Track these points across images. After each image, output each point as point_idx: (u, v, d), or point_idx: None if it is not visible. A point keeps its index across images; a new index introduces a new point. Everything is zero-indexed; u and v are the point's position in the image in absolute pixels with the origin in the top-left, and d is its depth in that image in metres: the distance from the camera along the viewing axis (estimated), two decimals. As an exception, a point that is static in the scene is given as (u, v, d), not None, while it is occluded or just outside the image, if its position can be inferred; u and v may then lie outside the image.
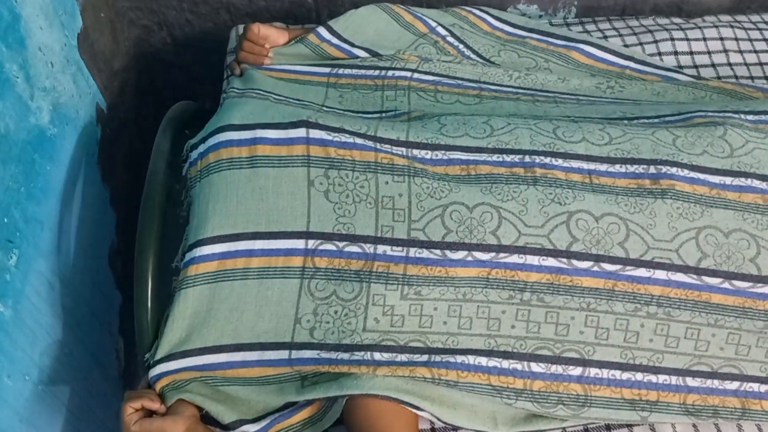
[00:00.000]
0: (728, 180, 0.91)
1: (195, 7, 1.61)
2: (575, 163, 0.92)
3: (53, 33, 1.19)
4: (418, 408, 0.87)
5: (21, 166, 1.04)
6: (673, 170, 0.91)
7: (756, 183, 0.92)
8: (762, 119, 1.02)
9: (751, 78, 1.37)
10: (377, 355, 0.87)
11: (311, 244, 0.89)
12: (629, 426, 0.94)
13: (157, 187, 1.02)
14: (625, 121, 1.03)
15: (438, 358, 0.89)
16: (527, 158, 0.92)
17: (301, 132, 0.92)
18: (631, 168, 0.92)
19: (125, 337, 1.42)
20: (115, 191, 1.41)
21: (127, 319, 1.42)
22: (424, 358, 0.88)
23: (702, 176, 0.91)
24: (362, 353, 0.87)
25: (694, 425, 0.94)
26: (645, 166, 0.92)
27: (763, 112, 1.03)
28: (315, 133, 0.92)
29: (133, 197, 1.55)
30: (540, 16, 1.65)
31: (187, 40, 1.69)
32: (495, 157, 0.93)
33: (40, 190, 1.10)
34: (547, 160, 0.92)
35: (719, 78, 1.35)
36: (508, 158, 0.92)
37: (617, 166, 0.93)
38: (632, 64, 1.29)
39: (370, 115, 1.04)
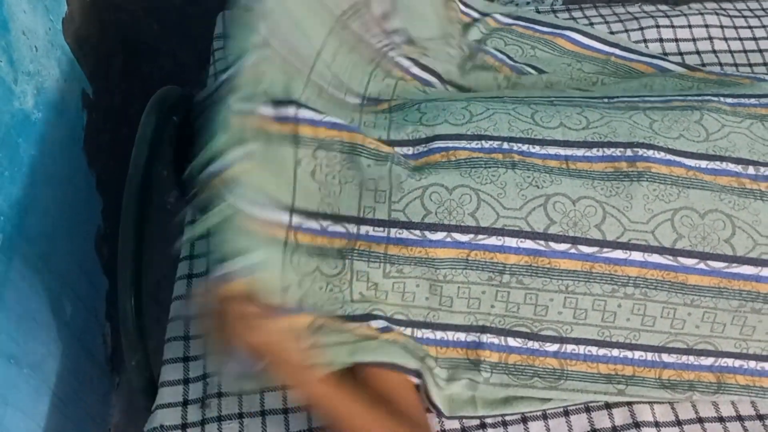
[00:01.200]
0: (704, 163, 0.92)
1: (181, -7, 1.60)
2: (552, 150, 0.93)
3: (37, 17, 1.18)
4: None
5: (5, 150, 1.04)
6: (650, 153, 0.91)
7: (731, 166, 0.93)
8: (741, 102, 1.03)
9: (736, 65, 1.37)
10: (372, 323, 0.89)
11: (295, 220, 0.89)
12: (609, 408, 0.95)
13: (140, 172, 1.02)
14: (606, 100, 1.04)
15: (419, 333, 0.91)
16: (505, 145, 0.93)
17: (290, 111, 0.92)
18: (608, 151, 0.93)
19: (112, 323, 1.42)
20: (101, 176, 1.41)
21: (115, 304, 1.42)
22: (408, 331, 0.91)
23: (678, 159, 0.92)
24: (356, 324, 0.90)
25: (672, 408, 0.96)
26: (622, 149, 0.93)
27: (742, 95, 1.04)
28: (304, 113, 0.92)
29: (120, 182, 1.54)
30: (527, 3, 1.66)
31: (174, 26, 1.68)
32: (474, 144, 0.93)
33: (24, 175, 1.10)
34: (525, 147, 0.93)
35: (704, 65, 1.36)
36: (487, 144, 0.93)
37: (594, 150, 0.93)
38: (617, 51, 1.30)
39: (354, 98, 1.04)
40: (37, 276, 1.12)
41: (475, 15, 1.33)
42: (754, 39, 1.41)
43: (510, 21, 1.33)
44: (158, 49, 1.74)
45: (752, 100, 1.02)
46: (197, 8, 1.63)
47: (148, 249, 1.02)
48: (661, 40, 1.39)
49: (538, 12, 1.48)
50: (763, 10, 1.49)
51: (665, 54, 1.37)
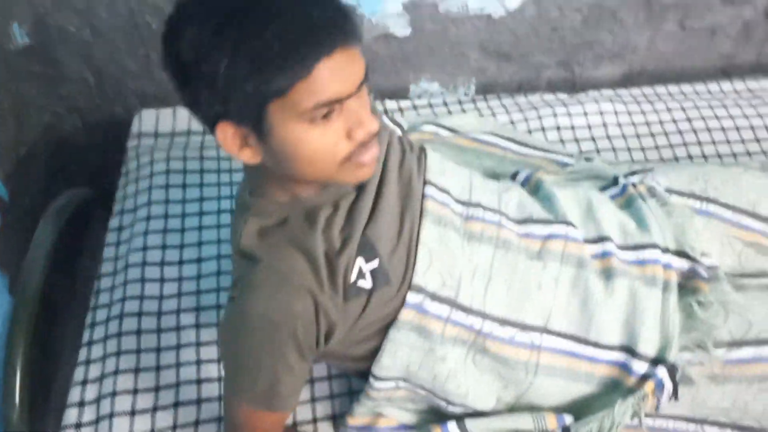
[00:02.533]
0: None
1: (103, 93, 1.65)
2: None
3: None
4: None
5: None
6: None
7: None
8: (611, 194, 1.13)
9: (629, 150, 1.45)
10: None
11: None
12: None
13: (34, 280, 1.03)
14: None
15: None
16: None
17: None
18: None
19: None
20: (14, 277, 1.40)
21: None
22: None
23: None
24: None
25: None
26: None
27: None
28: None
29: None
30: (441, 93, 1.73)
31: (98, 123, 1.72)
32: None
33: None
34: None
35: (598, 151, 1.43)
36: None
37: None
38: (513, 146, 1.36)
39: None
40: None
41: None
42: (647, 123, 1.50)
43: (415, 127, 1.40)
44: (84, 147, 1.77)
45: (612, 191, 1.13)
46: (120, 107, 1.67)
47: (52, 355, 1.02)
48: (558, 128, 1.47)
49: (446, 104, 1.56)
50: (656, 94, 1.59)
51: (562, 141, 1.45)
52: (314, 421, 1.06)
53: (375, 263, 0.87)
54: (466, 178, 1.04)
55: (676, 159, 1.43)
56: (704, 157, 1.43)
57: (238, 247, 0.88)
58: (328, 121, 0.75)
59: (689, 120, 1.49)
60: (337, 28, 0.72)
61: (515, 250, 0.97)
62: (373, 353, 0.92)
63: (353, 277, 0.86)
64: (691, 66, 1.78)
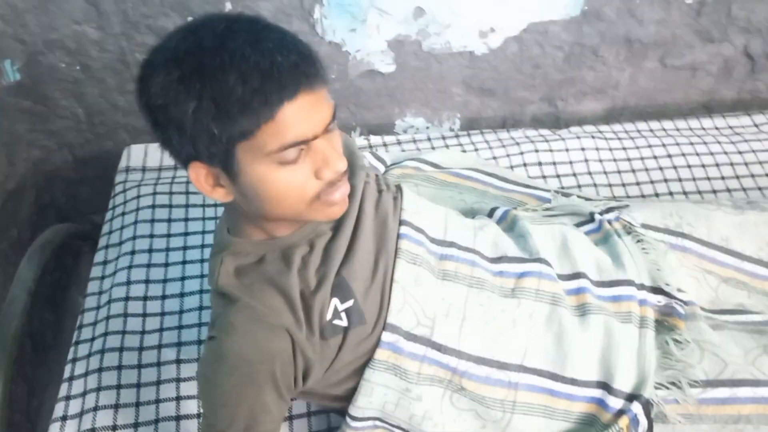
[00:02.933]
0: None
1: (93, 128, 1.67)
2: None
3: (-69, 164, 1.23)
4: None
5: None
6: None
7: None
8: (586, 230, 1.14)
9: (609, 186, 1.47)
10: None
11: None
12: None
13: (14, 317, 1.03)
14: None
15: None
16: None
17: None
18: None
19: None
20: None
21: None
22: None
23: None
24: None
25: None
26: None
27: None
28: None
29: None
30: (427, 128, 1.76)
31: (88, 158, 1.74)
32: None
33: None
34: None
35: (579, 186, 1.45)
36: None
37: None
38: (495, 182, 1.38)
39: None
40: None
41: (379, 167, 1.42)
42: (628, 159, 1.52)
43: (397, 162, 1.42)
44: (75, 180, 1.79)
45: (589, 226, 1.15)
46: (110, 141, 1.70)
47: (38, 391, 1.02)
48: (540, 164, 1.49)
49: (430, 139, 1.58)
50: (638, 131, 1.61)
51: (544, 176, 1.46)
52: None
53: (350, 303, 0.89)
54: (441, 217, 1.06)
55: (657, 195, 1.44)
56: (684, 193, 1.45)
57: (216, 286, 0.89)
58: (296, 162, 0.77)
59: (670, 156, 1.51)
60: (299, 73, 0.74)
61: (489, 289, 0.98)
62: (351, 393, 0.93)
63: (329, 315, 0.87)
64: (673, 102, 1.81)
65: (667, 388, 0.99)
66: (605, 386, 0.97)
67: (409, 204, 1.02)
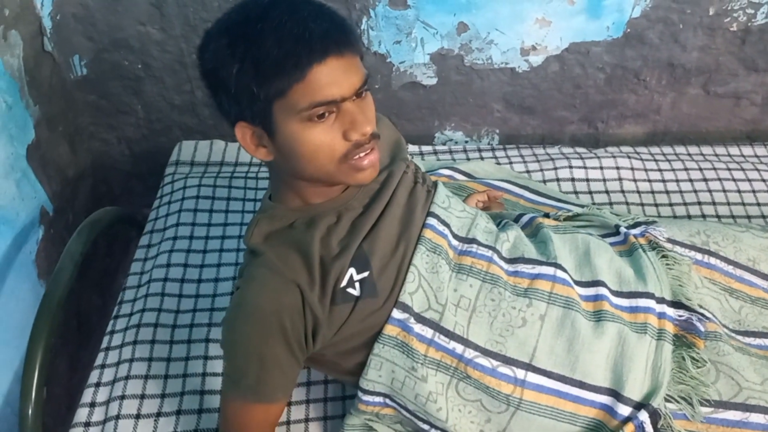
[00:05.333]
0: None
1: (150, 124, 1.78)
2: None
3: (0, 144, 1.33)
4: None
5: (-59, 257, 1.15)
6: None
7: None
8: (611, 241, 1.15)
9: (642, 205, 1.47)
10: None
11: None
12: None
13: (60, 285, 1.11)
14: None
15: None
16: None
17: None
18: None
19: None
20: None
21: (51, 413, 1.48)
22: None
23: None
24: None
25: None
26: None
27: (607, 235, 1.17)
28: None
29: (70, 295, 1.65)
30: (466, 142, 1.80)
31: (143, 152, 1.84)
32: None
33: (-40, 283, 1.20)
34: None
35: (611, 204, 1.46)
36: None
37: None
38: (526, 194, 1.41)
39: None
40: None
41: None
42: (663, 181, 1.52)
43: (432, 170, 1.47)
44: (130, 174, 1.90)
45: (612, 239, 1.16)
46: (164, 138, 1.80)
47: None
48: (573, 180, 1.51)
49: (465, 151, 1.62)
50: (676, 154, 1.62)
51: (576, 192, 1.48)
52: (306, 420, 1.12)
53: (365, 274, 0.95)
54: (469, 217, 1.10)
55: (689, 217, 1.45)
56: (718, 217, 1.44)
57: (246, 243, 0.98)
58: (325, 122, 0.85)
59: (706, 180, 1.51)
60: (329, 38, 0.82)
61: (502, 285, 1.01)
62: (362, 367, 0.98)
63: (343, 283, 0.94)
64: (716, 130, 1.80)
65: (678, 401, 0.99)
66: (615, 393, 0.98)
67: (440, 199, 1.07)
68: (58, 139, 1.61)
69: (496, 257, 1.04)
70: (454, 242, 1.05)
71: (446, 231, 1.04)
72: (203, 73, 0.88)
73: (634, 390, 0.98)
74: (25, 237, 1.43)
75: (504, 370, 0.97)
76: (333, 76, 0.82)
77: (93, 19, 1.54)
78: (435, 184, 1.11)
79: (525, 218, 1.21)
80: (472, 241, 1.06)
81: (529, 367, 0.98)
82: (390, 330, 0.96)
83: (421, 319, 0.97)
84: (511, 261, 1.06)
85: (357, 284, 0.94)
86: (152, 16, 1.54)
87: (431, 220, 1.03)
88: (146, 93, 1.70)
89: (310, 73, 0.81)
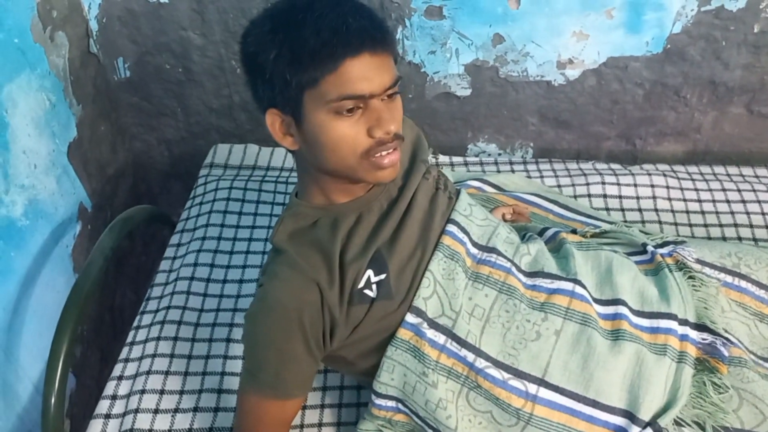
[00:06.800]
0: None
1: (189, 127, 1.82)
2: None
3: (42, 140, 1.39)
4: None
5: (-19, 249, 1.20)
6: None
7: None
8: (639, 260, 1.13)
9: (675, 224, 1.44)
10: None
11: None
12: None
13: (89, 278, 1.15)
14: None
15: None
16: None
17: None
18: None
19: (73, 422, 1.51)
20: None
21: (79, 404, 1.52)
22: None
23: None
24: None
25: None
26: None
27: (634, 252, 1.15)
28: None
29: (105, 290, 1.71)
30: (499, 154, 1.79)
31: (182, 154, 1.89)
32: None
33: (-1, 272, 1.25)
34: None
35: (643, 222, 1.43)
36: None
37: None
38: (555, 208, 1.39)
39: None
40: (-7, 365, 1.23)
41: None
42: (699, 201, 1.49)
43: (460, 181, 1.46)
44: (169, 174, 1.94)
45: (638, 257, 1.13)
46: (202, 140, 1.84)
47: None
48: (604, 196, 1.48)
49: (497, 163, 1.61)
50: (714, 174, 1.57)
51: (607, 209, 1.46)
52: (320, 425, 1.13)
53: (382, 276, 0.96)
54: (491, 227, 1.09)
55: (724, 239, 1.40)
56: (755, 240, 1.40)
57: (271, 240, 0.99)
58: (352, 116, 0.86)
59: (744, 202, 1.47)
60: (366, 34, 0.84)
61: (518, 297, 1.00)
62: (376, 370, 0.98)
63: (361, 283, 0.95)
64: (759, 151, 1.75)
65: (690, 426, 0.96)
66: (630, 415, 0.96)
67: (462, 207, 1.08)
68: (100, 139, 1.67)
69: (514, 269, 1.03)
70: (473, 250, 1.04)
71: (465, 238, 1.04)
72: (243, 58, 0.91)
73: (650, 412, 0.96)
74: (63, 231, 1.48)
75: (515, 383, 0.96)
76: (364, 72, 0.84)
77: (137, 23, 1.59)
78: (458, 192, 1.11)
79: (549, 233, 1.19)
80: (492, 250, 1.05)
81: (542, 383, 0.96)
82: (403, 333, 0.97)
83: (434, 324, 0.97)
84: (530, 274, 1.05)
85: (374, 286, 0.95)
86: (194, 21, 1.58)
87: (451, 227, 1.04)
88: (186, 96, 1.74)
89: (342, 66, 0.83)
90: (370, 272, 0.95)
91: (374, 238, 0.97)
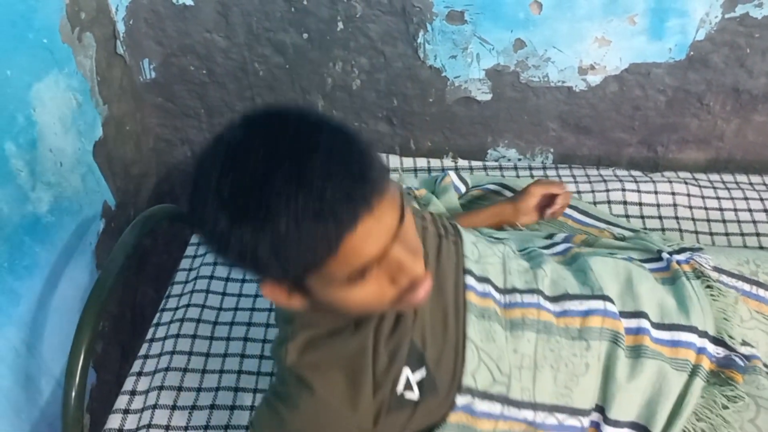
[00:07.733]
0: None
1: (212, 128, 1.84)
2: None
3: (68, 138, 1.41)
4: None
5: (8, 245, 1.22)
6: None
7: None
8: (655, 267, 1.12)
9: (696, 233, 1.42)
10: None
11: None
12: None
13: (110, 274, 1.17)
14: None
15: None
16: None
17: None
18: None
19: (93, 416, 1.53)
20: (107, 279, 1.58)
21: (99, 399, 1.55)
22: None
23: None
24: None
25: None
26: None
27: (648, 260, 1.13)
28: None
29: (127, 287, 1.73)
30: (519, 160, 1.79)
31: (204, 155, 1.91)
32: None
33: (24, 268, 1.27)
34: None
35: (663, 230, 1.42)
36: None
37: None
38: (575, 214, 1.39)
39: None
40: (16, 359, 1.26)
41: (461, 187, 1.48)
42: (720, 209, 1.47)
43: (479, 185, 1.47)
44: (191, 175, 1.96)
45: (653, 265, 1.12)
46: (225, 142, 1.86)
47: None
48: (624, 203, 1.47)
49: (516, 168, 1.61)
50: (736, 183, 1.56)
51: (627, 216, 1.45)
52: None
53: (422, 372, 0.87)
54: (499, 262, 1.05)
55: (745, 247, 1.39)
56: (777, 249, 1.39)
57: (283, 364, 0.86)
58: (369, 275, 0.71)
59: (766, 211, 1.45)
60: (355, 201, 0.65)
61: (557, 333, 0.97)
62: None
63: (400, 388, 0.86)
64: (784, 159, 1.73)
65: None
66: (644, 429, 0.96)
67: (470, 251, 1.02)
68: (125, 138, 1.69)
69: (542, 300, 1.00)
70: (498, 296, 1.00)
71: (488, 288, 0.99)
72: (200, 234, 0.71)
73: (661, 425, 0.95)
74: (87, 228, 1.51)
75: (570, 422, 0.95)
76: (368, 237, 0.67)
77: (163, 25, 1.62)
78: (458, 231, 1.06)
79: (559, 248, 1.18)
80: (513, 290, 1.01)
81: (592, 411, 0.97)
82: (454, 418, 0.89)
83: (486, 396, 0.91)
84: (555, 299, 1.02)
85: (415, 386, 0.86)
86: (218, 24, 1.60)
87: (470, 280, 0.97)
88: (210, 98, 1.77)
89: (342, 246, 0.65)
90: (407, 371, 0.85)
91: (400, 328, 0.86)
